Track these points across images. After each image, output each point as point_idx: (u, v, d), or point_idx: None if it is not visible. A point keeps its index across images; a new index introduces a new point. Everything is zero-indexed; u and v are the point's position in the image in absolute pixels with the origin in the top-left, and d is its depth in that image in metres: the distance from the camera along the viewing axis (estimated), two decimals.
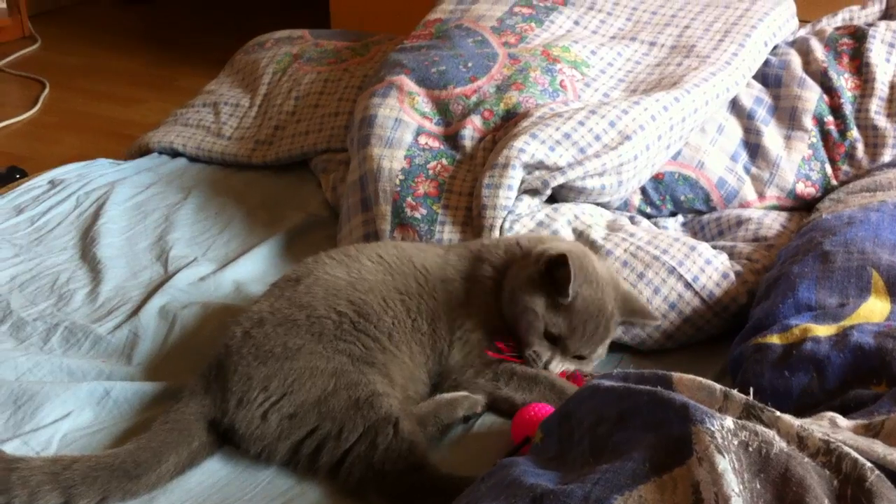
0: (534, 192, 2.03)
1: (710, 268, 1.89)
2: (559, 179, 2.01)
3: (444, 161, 2.15)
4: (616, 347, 1.90)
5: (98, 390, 1.76)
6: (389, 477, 1.51)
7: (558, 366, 1.73)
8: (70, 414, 1.72)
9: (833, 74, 2.29)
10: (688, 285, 1.87)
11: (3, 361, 1.86)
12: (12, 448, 1.62)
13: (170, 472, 1.56)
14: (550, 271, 1.70)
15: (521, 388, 1.69)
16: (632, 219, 2.13)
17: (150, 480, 1.54)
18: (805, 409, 1.43)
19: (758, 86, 2.33)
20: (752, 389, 1.30)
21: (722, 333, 1.87)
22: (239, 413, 1.60)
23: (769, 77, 2.34)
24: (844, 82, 2.28)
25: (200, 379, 1.67)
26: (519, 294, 1.72)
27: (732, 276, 1.90)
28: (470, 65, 2.29)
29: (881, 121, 2.23)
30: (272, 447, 1.58)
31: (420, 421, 1.62)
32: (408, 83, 2.27)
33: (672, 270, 1.88)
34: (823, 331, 1.55)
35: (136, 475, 1.52)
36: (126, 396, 1.76)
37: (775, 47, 2.41)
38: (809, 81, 2.29)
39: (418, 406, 1.67)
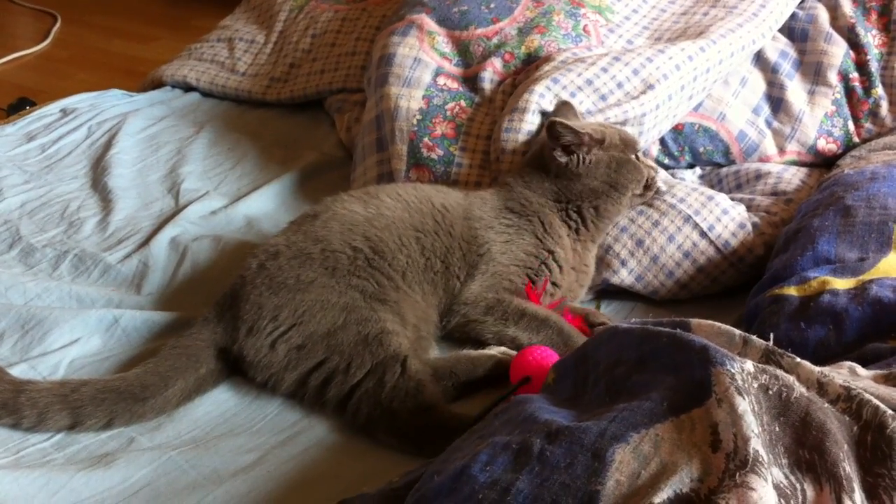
0: None
1: (727, 218, 1.87)
2: None
3: (463, 103, 2.12)
4: (628, 296, 1.89)
5: (107, 318, 1.76)
6: (398, 416, 1.51)
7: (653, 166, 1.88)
8: (78, 340, 1.72)
9: (860, 30, 2.25)
10: (703, 234, 1.85)
11: (11, 286, 1.85)
12: (19, 371, 1.63)
13: (176, 396, 1.57)
14: (565, 146, 1.79)
15: (529, 328, 1.68)
16: None
17: (157, 404, 1.54)
18: (821, 361, 1.40)
19: (784, 39, 2.29)
20: (771, 335, 1.28)
21: (737, 286, 1.86)
22: (248, 341, 1.60)
23: (795, 31, 2.29)
24: (872, 39, 2.24)
25: (215, 307, 1.68)
26: (596, 174, 1.80)
27: (749, 227, 1.88)
28: (492, 6, 2.26)
29: None
30: (279, 376, 1.59)
31: (435, 373, 1.60)
32: (428, 23, 2.24)
33: (688, 219, 1.86)
34: (842, 284, 1.53)
35: (142, 398, 1.53)
36: (135, 325, 1.76)
37: (803, 1, 2.36)
38: (836, 37, 2.25)
39: (437, 358, 1.66)
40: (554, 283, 1.77)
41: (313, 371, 1.57)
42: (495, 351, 1.68)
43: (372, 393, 1.53)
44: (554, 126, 1.76)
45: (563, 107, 1.92)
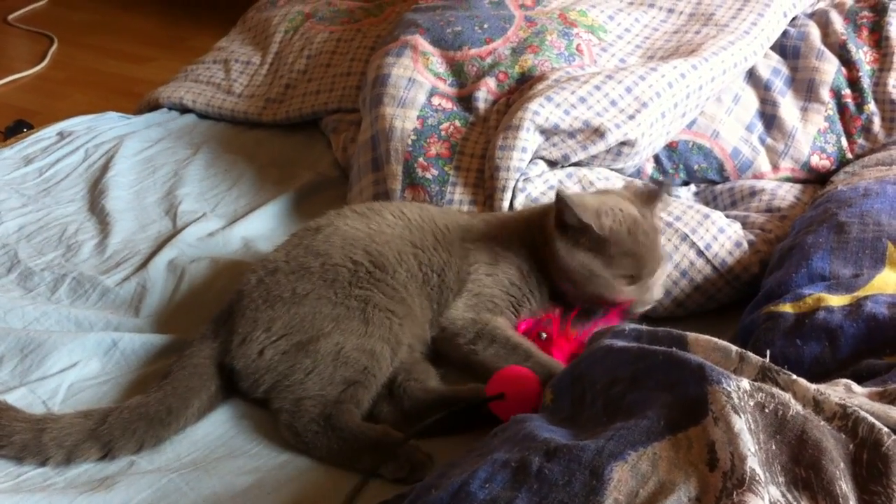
0: (552, 164, 2.02)
1: (723, 236, 1.88)
2: (580, 155, 1.99)
3: (458, 122, 2.13)
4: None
5: (105, 341, 1.76)
6: (337, 431, 1.52)
7: (657, 290, 1.73)
8: (77, 364, 1.72)
9: (852, 47, 2.27)
10: (700, 253, 1.86)
11: (10, 310, 1.86)
12: (19, 396, 1.63)
13: (194, 416, 1.58)
14: (563, 222, 1.66)
15: (497, 356, 1.64)
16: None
17: (179, 425, 1.56)
18: (816, 378, 1.41)
19: (776, 57, 2.31)
20: (768, 352, 1.29)
21: (732, 303, 1.86)
22: (239, 351, 1.61)
23: (787, 48, 2.31)
24: (863, 55, 2.26)
25: (211, 324, 1.69)
26: (567, 267, 1.68)
27: (745, 245, 1.89)
28: (486, 26, 2.27)
29: None
30: (260, 379, 1.60)
31: (441, 400, 1.60)
32: (422, 43, 2.25)
33: (685, 237, 1.87)
34: (837, 301, 1.54)
35: (167, 422, 1.54)
36: (133, 348, 1.76)
37: (794, 18, 2.38)
38: (828, 54, 2.27)
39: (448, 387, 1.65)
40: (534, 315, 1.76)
41: (286, 373, 1.58)
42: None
43: (318, 401, 1.54)
44: (560, 201, 1.65)
45: (662, 187, 1.82)
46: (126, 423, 1.51)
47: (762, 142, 2.20)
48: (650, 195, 1.76)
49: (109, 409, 1.53)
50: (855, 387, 1.27)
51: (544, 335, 1.71)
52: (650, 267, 1.69)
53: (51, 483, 1.46)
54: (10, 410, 1.52)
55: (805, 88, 2.24)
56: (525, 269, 1.75)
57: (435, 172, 2.05)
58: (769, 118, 2.22)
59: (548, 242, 1.71)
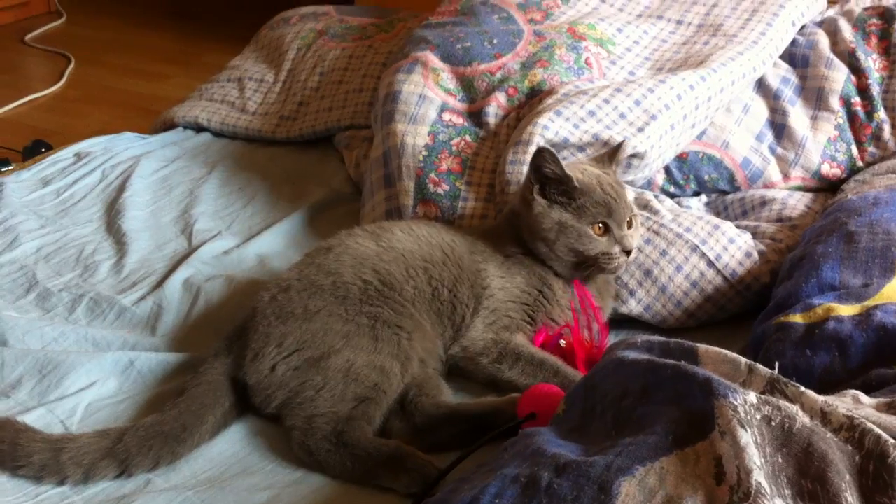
0: None
1: (734, 246, 1.89)
2: None
3: (468, 138, 2.15)
4: (636, 325, 1.91)
5: (123, 360, 1.79)
6: (349, 448, 1.53)
7: (631, 240, 1.77)
8: (95, 383, 1.74)
9: (861, 55, 2.27)
10: (710, 264, 1.87)
11: (28, 331, 1.88)
12: (37, 416, 1.65)
13: (209, 432, 1.61)
14: (542, 177, 1.76)
15: (524, 372, 1.70)
16: (655, 198, 2.12)
17: (194, 442, 1.58)
18: (827, 388, 1.42)
19: (784, 66, 2.31)
20: (777, 364, 1.30)
21: (744, 313, 1.87)
22: (252, 366, 1.64)
23: (796, 57, 2.32)
24: (872, 63, 2.26)
25: (224, 340, 1.72)
26: (541, 226, 1.77)
27: (756, 255, 1.89)
28: (495, 41, 2.29)
29: None
30: (272, 395, 1.62)
31: (452, 416, 1.62)
32: (433, 59, 2.27)
33: (695, 248, 1.88)
34: (846, 310, 1.54)
35: (182, 438, 1.56)
36: (150, 367, 1.78)
37: (803, 27, 2.39)
38: (837, 62, 2.27)
39: (459, 403, 1.67)
40: (552, 319, 1.79)
41: (298, 389, 1.60)
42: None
43: (329, 417, 1.55)
44: (542, 153, 1.75)
45: (618, 147, 1.91)
46: (142, 440, 1.53)
47: (772, 151, 2.20)
48: (608, 156, 1.89)
49: (126, 428, 1.55)
50: (863, 397, 1.27)
51: (563, 342, 1.76)
52: (620, 214, 1.77)
53: (69, 502, 1.48)
54: (29, 431, 1.54)
55: (814, 97, 2.24)
56: (529, 265, 1.81)
57: (446, 188, 2.06)
58: (779, 127, 2.22)
59: (525, 210, 1.79)
